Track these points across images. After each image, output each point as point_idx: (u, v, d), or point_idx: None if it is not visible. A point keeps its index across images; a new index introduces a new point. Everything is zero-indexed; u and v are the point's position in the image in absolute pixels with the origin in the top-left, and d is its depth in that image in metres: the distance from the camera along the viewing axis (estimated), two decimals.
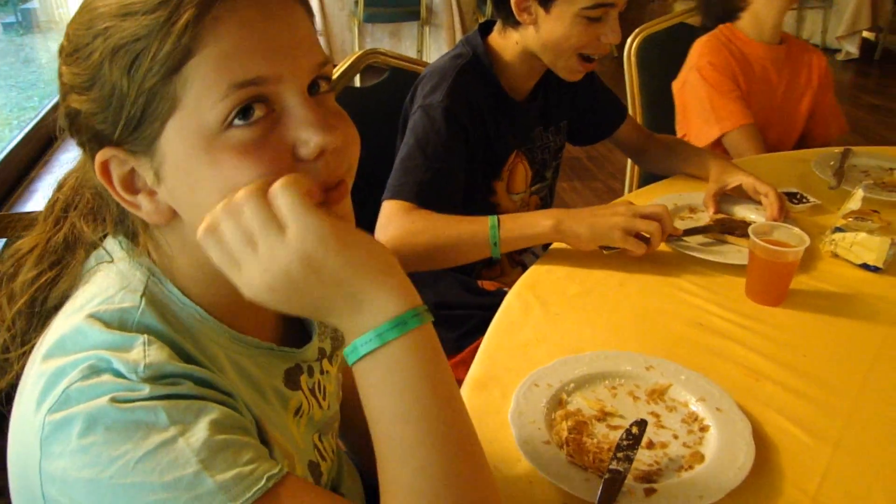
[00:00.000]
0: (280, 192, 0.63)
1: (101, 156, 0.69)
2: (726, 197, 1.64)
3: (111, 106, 0.66)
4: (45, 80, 6.18)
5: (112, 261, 0.73)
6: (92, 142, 0.70)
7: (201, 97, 0.64)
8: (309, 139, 0.67)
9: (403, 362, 0.66)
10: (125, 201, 0.70)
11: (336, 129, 0.68)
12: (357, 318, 0.66)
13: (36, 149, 4.04)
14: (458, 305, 1.64)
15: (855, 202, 1.51)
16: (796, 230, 1.31)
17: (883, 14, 6.48)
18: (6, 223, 1.02)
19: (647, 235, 1.36)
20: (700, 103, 2.13)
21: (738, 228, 1.51)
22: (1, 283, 0.77)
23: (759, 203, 1.59)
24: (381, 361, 0.66)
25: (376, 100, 1.84)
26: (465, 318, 1.62)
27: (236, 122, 0.64)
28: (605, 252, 1.39)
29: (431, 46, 5.72)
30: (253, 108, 0.65)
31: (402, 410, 0.65)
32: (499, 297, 1.62)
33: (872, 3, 6.31)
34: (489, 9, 5.52)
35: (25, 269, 0.76)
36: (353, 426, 1.02)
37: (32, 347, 0.72)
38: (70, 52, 0.68)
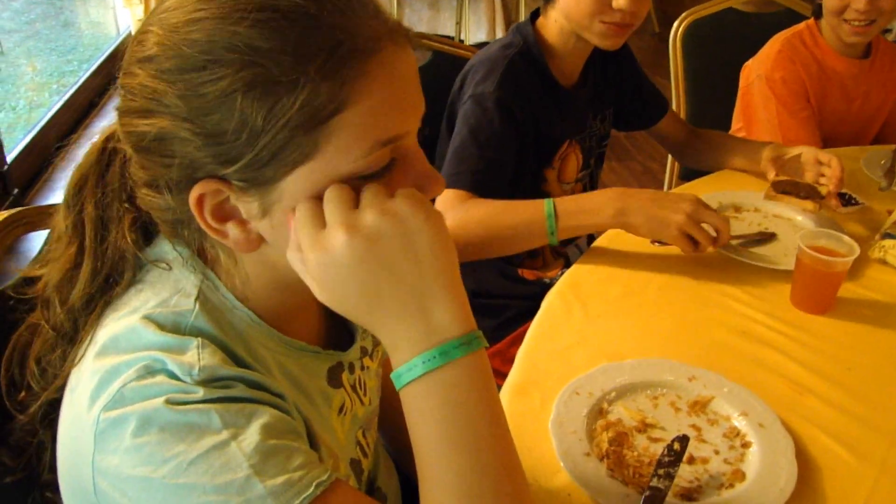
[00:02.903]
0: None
1: (201, 188, 0.66)
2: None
3: (236, 141, 0.63)
4: (84, 44, 6.19)
5: (169, 268, 0.73)
6: (182, 168, 0.66)
7: (343, 150, 0.64)
8: (425, 190, 0.70)
9: (462, 386, 0.66)
10: (212, 229, 0.68)
11: (440, 178, 0.71)
12: (422, 327, 0.65)
13: (77, 114, 4.07)
14: (497, 294, 1.64)
15: None
16: (846, 238, 1.28)
17: None
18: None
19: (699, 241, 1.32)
20: (768, 116, 2.04)
21: (804, 191, 1.51)
22: (52, 295, 0.75)
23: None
24: (438, 385, 0.65)
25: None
26: (504, 307, 1.62)
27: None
28: (654, 244, 1.37)
29: (471, 18, 5.66)
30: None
31: (455, 438, 0.65)
32: (538, 286, 1.62)
33: None
34: None
35: (80, 285, 0.74)
36: (389, 419, 1.03)
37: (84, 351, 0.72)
38: (172, 69, 0.63)
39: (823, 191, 1.55)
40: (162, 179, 0.68)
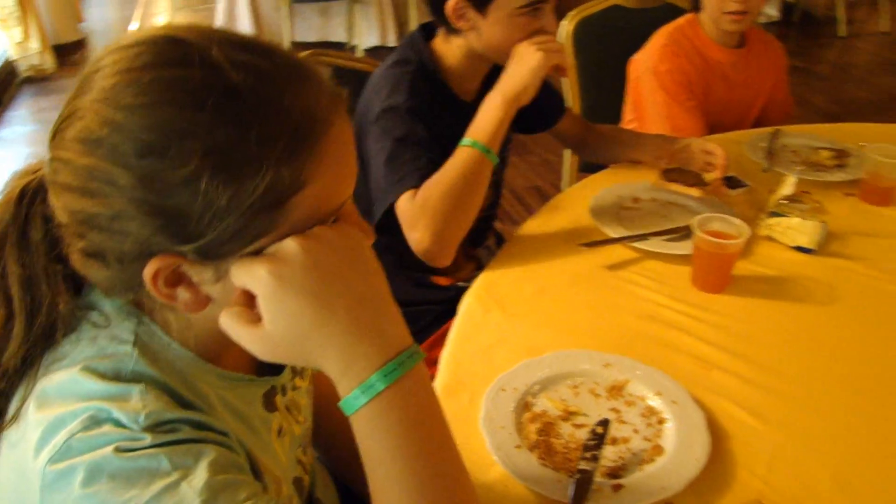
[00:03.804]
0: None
1: (157, 263, 0.65)
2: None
3: (198, 224, 0.63)
4: None
5: (108, 325, 0.72)
6: (137, 245, 0.65)
7: (299, 224, 0.67)
8: None
9: (419, 395, 0.69)
10: (162, 295, 0.68)
11: (371, 230, 0.75)
12: (377, 341, 0.67)
13: None
14: (412, 302, 1.66)
15: (788, 188, 1.59)
16: (736, 220, 1.38)
17: None
18: None
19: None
20: (657, 107, 2.13)
21: (691, 178, 1.62)
22: None
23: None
24: (397, 398, 0.67)
25: None
26: (420, 314, 1.65)
27: None
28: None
29: (361, 25, 5.65)
30: None
31: (417, 448, 0.68)
32: (453, 290, 1.65)
33: None
34: None
35: (13, 347, 0.71)
36: (323, 432, 1.05)
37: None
38: (129, 153, 0.62)
39: (708, 178, 1.65)
40: (111, 253, 0.67)
